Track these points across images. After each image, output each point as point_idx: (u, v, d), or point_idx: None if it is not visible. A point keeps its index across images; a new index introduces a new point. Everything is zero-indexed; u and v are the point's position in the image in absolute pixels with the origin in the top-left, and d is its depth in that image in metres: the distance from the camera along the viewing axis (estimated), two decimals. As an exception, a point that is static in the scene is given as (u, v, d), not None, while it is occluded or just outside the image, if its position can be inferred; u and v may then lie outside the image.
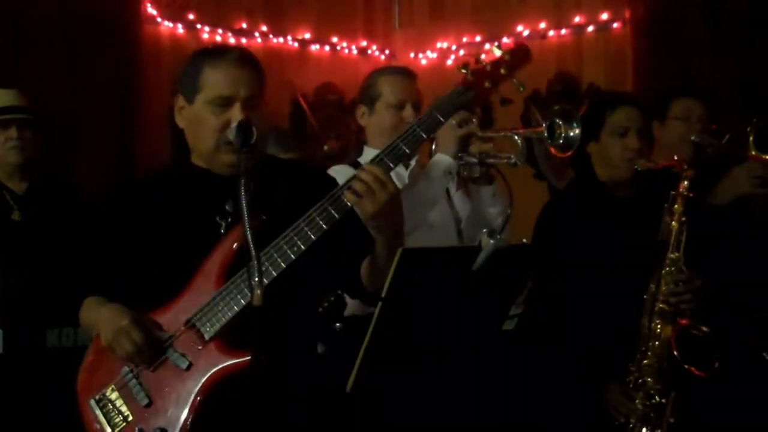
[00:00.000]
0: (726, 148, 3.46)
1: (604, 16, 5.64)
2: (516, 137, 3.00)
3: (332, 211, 2.25)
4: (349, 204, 2.24)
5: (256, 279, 2.00)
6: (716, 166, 3.50)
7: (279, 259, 2.25)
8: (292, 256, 2.25)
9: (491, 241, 2.28)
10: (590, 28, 5.71)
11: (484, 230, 2.31)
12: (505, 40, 6.04)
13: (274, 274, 2.25)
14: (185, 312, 2.31)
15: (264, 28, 6.03)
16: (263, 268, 2.18)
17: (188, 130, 2.48)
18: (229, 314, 2.27)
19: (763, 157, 3.31)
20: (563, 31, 5.83)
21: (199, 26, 5.75)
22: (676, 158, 3.13)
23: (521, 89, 2.46)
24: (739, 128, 3.42)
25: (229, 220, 2.38)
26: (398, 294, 2.22)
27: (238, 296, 2.26)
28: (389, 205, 2.22)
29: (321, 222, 2.25)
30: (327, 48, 6.35)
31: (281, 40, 6.11)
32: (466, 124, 2.99)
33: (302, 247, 2.25)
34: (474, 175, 3.08)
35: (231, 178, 2.37)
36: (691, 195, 3.03)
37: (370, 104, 3.24)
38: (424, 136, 2.35)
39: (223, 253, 2.33)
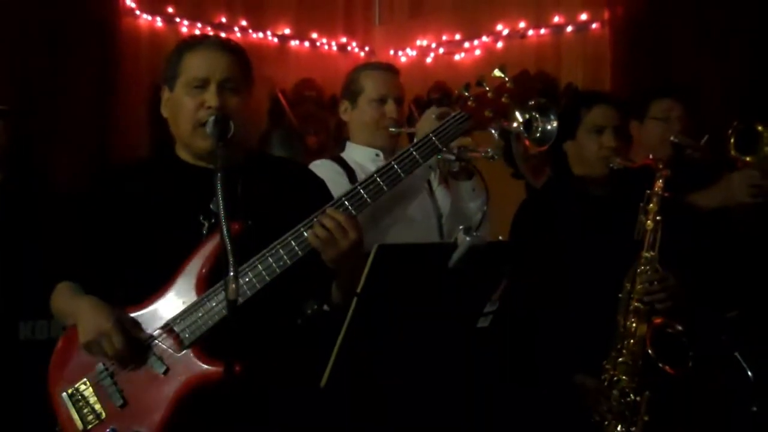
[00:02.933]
0: (705, 148, 3.48)
1: (584, 17, 5.66)
2: (493, 131, 3.01)
3: (296, 248, 2.26)
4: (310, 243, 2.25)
5: (231, 273, 1.99)
6: (698, 168, 3.52)
7: (245, 287, 2.24)
8: (248, 292, 2.24)
9: (467, 238, 2.28)
10: (569, 29, 5.73)
11: (461, 227, 2.31)
12: (484, 38, 6.07)
13: (249, 294, 2.25)
14: (164, 313, 2.29)
15: (243, 23, 6.00)
16: (243, 284, 2.19)
17: (171, 118, 2.47)
18: (210, 323, 2.25)
19: (743, 158, 3.33)
20: (542, 31, 5.85)
21: (177, 20, 5.71)
22: (651, 157, 3.15)
23: (521, 119, 2.43)
24: (718, 129, 3.44)
25: (213, 220, 2.37)
26: (373, 290, 2.22)
27: (220, 305, 2.24)
28: (350, 250, 2.25)
29: (285, 257, 2.26)
30: (306, 44, 6.33)
31: (261, 35, 6.09)
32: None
33: (267, 278, 2.25)
34: (453, 170, 3.07)
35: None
36: (666, 194, 3.04)
37: (353, 99, 3.24)
38: (421, 160, 2.35)
39: (205, 256, 2.31)
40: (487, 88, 2.40)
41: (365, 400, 2.66)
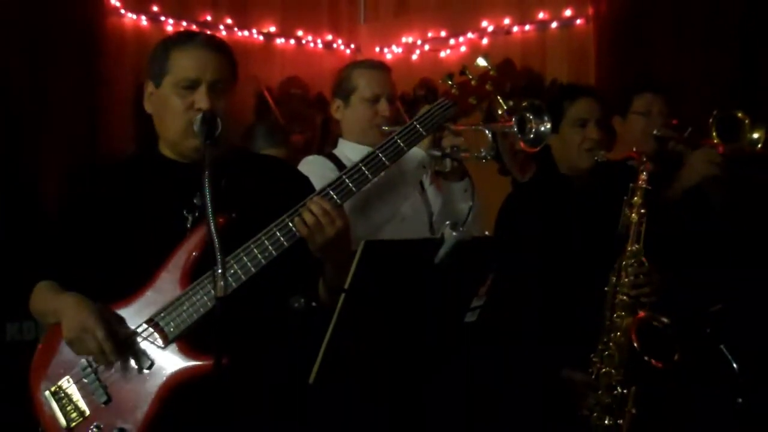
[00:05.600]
0: (688, 140, 3.50)
1: (568, 13, 5.68)
2: (486, 131, 3.02)
3: (281, 238, 2.26)
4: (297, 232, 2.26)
5: (219, 271, 2.00)
6: (680, 161, 3.54)
7: (230, 279, 2.23)
8: (233, 284, 2.23)
9: (453, 234, 2.29)
10: (554, 25, 5.75)
11: (447, 222, 2.32)
12: (470, 35, 6.08)
13: (234, 285, 2.24)
14: (148, 308, 2.29)
15: (229, 21, 6.00)
16: (228, 275, 2.18)
17: (155, 114, 2.46)
18: (195, 316, 2.25)
19: (725, 144, 3.34)
20: (527, 27, 5.87)
21: (162, 18, 5.70)
22: (635, 150, 3.17)
23: (505, 107, 2.46)
24: (701, 123, 3.46)
25: (197, 214, 2.36)
26: (361, 286, 2.23)
27: (204, 298, 2.25)
28: (337, 238, 2.26)
29: (271, 248, 2.26)
30: (292, 42, 6.33)
31: (246, 33, 6.09)
32: None
33: (252, 270, 2.25)
34: (445, 170, 3.08)
35: (200, 169, 2.37)
36: (649, 188, 3.06)
37: (345, 98, 3.23)
38: (405, 148, 2.35)
39: (189, 250, 2.31)
40: (471, 76, 2.42)
41: (354, 395, 2.67)
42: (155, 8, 5.67)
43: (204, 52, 2.39)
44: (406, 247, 2.44)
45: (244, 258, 2.26)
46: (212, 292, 2.19)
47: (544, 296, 3.06)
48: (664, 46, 4.99)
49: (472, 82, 2.40)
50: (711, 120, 3.37)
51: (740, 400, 3.40)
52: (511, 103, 2.55)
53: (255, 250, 2.26)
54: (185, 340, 2.27)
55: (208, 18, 5.91)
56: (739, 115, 3.35)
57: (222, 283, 1.98)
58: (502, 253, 2.69)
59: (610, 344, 3.05)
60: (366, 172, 2.34)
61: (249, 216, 2.27)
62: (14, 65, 4.79)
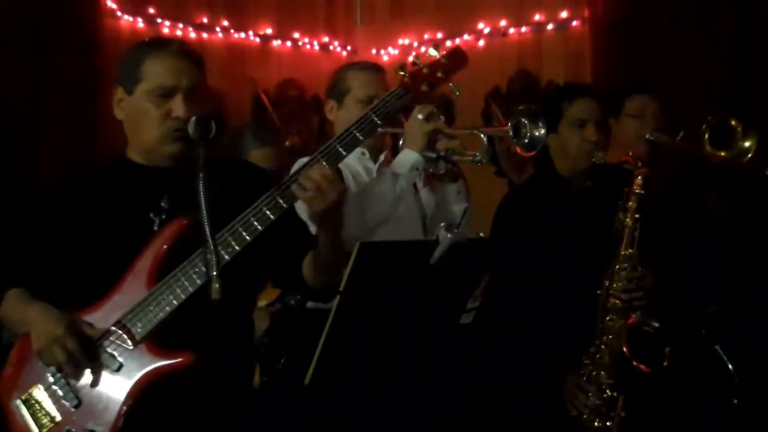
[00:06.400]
0: (681, 145, 3.51)
1: (564, 15, 5.69)
2: (482, 135, 3.02)
3: (280, 201, 2.25)
4: (297, 197, 2.25)
5: (214, 273, 2.00)
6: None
7: (223, 251, 2.22)
8: (237, 247, 2.24)
9: (448, 235, 2.30)
10: (550, 26, 5.76)
11: (442, 224, 2.33)
12: (466, 37, 6.08)
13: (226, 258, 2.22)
14: (115, 312, 2.29)
15: (225, 23, 5.99)
16: (204, 264, 2.17)
17: (128, 121, 2.46)
18: (161, 315, 2.25)
19: (718, 153, 3.36)
20: (523, 29, 5.87)
21: (159, 20, 5.69)
22: (630, 154, 3.17)
23: (457, 93, 2.49)
24: (696, 126, 3.47)
25: (163, 216, 2.37)
26: (356, 287, 2.24)
27: (171, 297, 2.25)
28: (338, 203, 2.25)
29: (268, 212, 2.25)
30: (289, 43, 6.32)
31: (242, 35, 6.08)
32: (433, 120, 3.00)
33: (247, 238, 2.24)
34: (439, 172, 3.09)
35: (168, 173, 2.38)
36: (644, 192, 3.06)
37: (339, 99, 3.24)
38: (361, 138, 2.36)
39: (155, 251, 2.31)
40: (422, 65, 2.45)
41: (347, 396, 2.68)
42: (152, 10, 5.66)
43: (178, 60, 2.39)
44: (402, 248, 2.45)
45: (240, 228, 2.25)
46: (178, 290, 2.23)
47: (538, 297, 3.06)
48: (660, 48, 5.00)
49: (424, 71, 2.43)
50: (704, 126, 3.38)
51: (736, 401, 3.41)
52: (460, 90, 2.56)
53: (252, 219, 2.25)
54: (153, 340, 2.27)
55: (205, 20, 5.90)
56: (732, 122, 3.36)
57: (216, 285, 1.98)
58: (497, 254, 2.70)
59: (602, 347, 3.06)
60: (340, 148, 2.32)
61: (215, 217, 2.27)
62: (11, 67, 4.78)
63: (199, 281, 2.23)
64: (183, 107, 2.34)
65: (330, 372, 2.35)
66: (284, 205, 2.26)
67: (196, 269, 2.23)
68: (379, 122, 2.38)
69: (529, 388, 3.10)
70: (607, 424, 3.02)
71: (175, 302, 2.24)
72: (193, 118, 2.30)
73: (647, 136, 3.53)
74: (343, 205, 2.28)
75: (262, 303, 3.62)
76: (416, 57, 2.46)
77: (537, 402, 3.08)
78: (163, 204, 2.38)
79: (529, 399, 3.09)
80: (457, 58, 2.49)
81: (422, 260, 2.35)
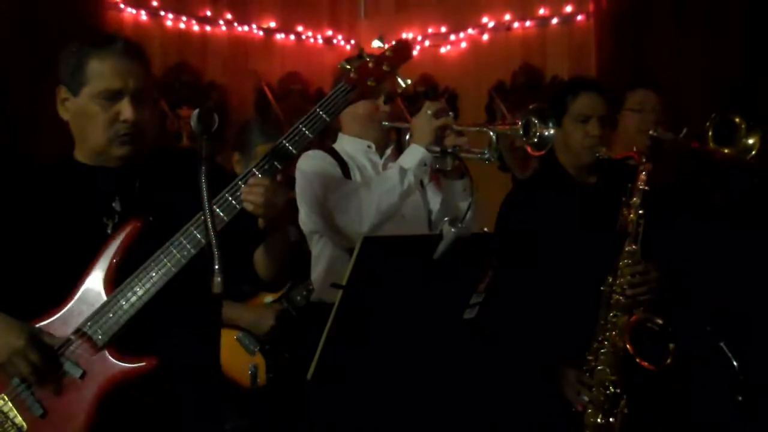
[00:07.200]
0: (684, 141, 3.48)
1: (569, 9, 5.67)
2: (491, 133, 3.01)
3: (222, 215, 2.24)
4: (239, 207, 2.25)
5: (216, 267, 2.00)
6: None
7: (161, 272, 2.23)
8: (193, 251, 2.23)
9: (452, 230, 2.29)
10: (554, 21, 5.74)
11: (446, 219, 2.32)
12: (470, 31, 6.07)
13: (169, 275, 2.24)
14: (74, 319, 2.26)
15: (228, 16, 5.98)
16: (154, 273, 2.21)
17: (74, 123, 2.41)
18: (122, 321, 2.23)
19: (722, 150, 3.34)
20: (528, 23, 5.86)
21: (162, 13, 5.69)
22: (635, 149, 3.15)
23: (404, 85, 2.48)
24: (701, 121, 3.45)
25: (116, 219, 2.34)
26: (359, 282, 2.23)
27: (131, 301, 2.23)
28: (284, 209, 2.27)
29: (221, 213, 2.24)
30: (292, 37, 6.31)
31: (246, 28, 6.07)
32: (442, 116, 2.98)
33: (192, 251, 2.24)
34: (446, 168, 3.07)
35: (118, 174, 2.36)
36: (648, 188, 3.05)
37: None
38: (310, 135, 2.35)
39: (111, 256, 2.29)
40: (368, 59, 2.44)
41: (350, 391, 2.67)
42: (155, 3, 5.65)
43: (124, 60, 2.32)
44: (405, 243, 2.44)
45: (189, 237, 2.24)
46: (137, 294, 2.22)
47: (542, 293, 3.04)
48: (665, 42, 4.98)
49: (370, 65, 2.42)
50: (708, 123, 3.36)
51: (740, 397, 3.40)
52: (409, 81, 2.57)
53: (195, 232, 2.24)
54: (115, 345, 2.25)
55: (208, 13, 5.90)
56: (737, 119, 3.34)
57: (218, 279, 1.97)
58: (501, 249, 2.68)
59: (605, 343, 3.04)
60: (274, 162, 2.31)
61: (166, 218, 2.25)
62: (12, 60, 4.78)
63: (160, 284, 2.22)
64: (131, 110, 2.30)
65: (333, 367, 2.34)
66: (237, 207, 2.26)
67: (153, 273, 2.22)
68: (327, 119, 2.37)
69: (531, 384, 3.09)
70: (610, 420, 3.01)
71: (135, 306, 2.22)
72: (195, 112, 2.28)
73: (651, 133, 3.51)
74: (288, 208, 2.30)
75: (267, 300, 3.62)
76: (361, 50, 2.46)
77: (539, 397, 3.07)
78: (114, 206, 2.35)
79: (532, 394, 3.08)
80: (401, 51, 2.49)
81: (426, 255, 2.34)
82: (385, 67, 2.44)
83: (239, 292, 3.58)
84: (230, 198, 2.25)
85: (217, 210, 2.23)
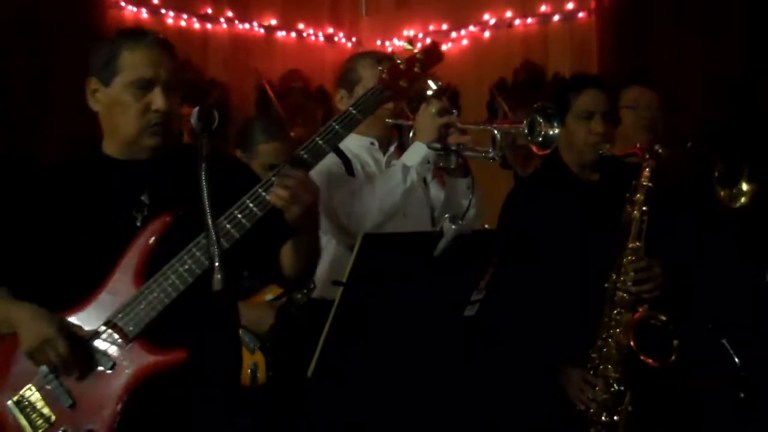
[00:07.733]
0: (690, 155, 3.43)
1: (570, 6, 5.67)
2: (495, 131, 3.00)
3: (255, 209, 2.24)
4: (271, 204, 2.23)
5: (216, 264, 2.00)
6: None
7: (193, 266, 2.23)
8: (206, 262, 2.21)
9: (453, 227, 2.28)
10: (556, 18, 5.74)
11: (447, 215, 2.31)
12: (471, 28, 6.07)
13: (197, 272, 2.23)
14: (103, 311, 2.27)
15: (229, 14, 5.98)
16: (187, 266, 2.21)
17: (105, 114, 2.43)
18: (153, 314, 2.23)
19: (719, 191, 3.25)
20: (529, 20, 5.86)
21: (163, 11, 5.69)
22: (638, 146, 3.14)
23: (435, 87, 2.51)
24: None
25: (146, 212, 2.34)
26: (360, 279, 2.23)
27: (161, 295, 2.23)
28: (313, 204, 2.24)
29: (244, 220, 2.24)
30: (293, 35, 6.32)
31: (247, 26, 6.07)
32: (446, 114, 2.98)
33: (226, 245, 2.21)
34: (449, 166, 3.07)
35: (146, 167, 2.37)
36: (651, 185, 3.04)
37: (350, 89, 3.22)
38: (343, 133, 2.36)
39: (141, 248, 2.29)
40: (399, 61, 2.45)
41: (350, 388, 2.67)
42: (155, 1, 5.66)
43: (156, 51, 2.35)
44: (406, 239, 2.44)
45: (222, 230, 2.21)
46: (168, 287, 2.22)
47: (544, 290, 3.04)
48: (667, 39, 4.99)
49: (401, 66, 2.44)
50: (714, 167, 3.25)
51: (742, 395, 3.39)
52: (440, 83, 2.65)
53: (227, 225, 2.23)
54: (145, 338, 2.25)
55: (209, 11, 5.90)
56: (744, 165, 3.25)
57: (218, 276, 1.97)
58: (503, 246, 2.68)
59: (609, 340, 3.04)
60: (306, 157, 2.31)
61: (195, 213, 2.24)
62: (13, 58, 4.78)
63: (190, 279, 2.22)
64: (162, 100, 2.31)
65: (333, 365, 2.33)
66: (258, 213, 2.24)
67: (186, 266, 2.22)
68: (360, 118, 2.39)
69: (534, 382, 3.08)
70: (614, 418, 3.00)
71: (166, 300, 2.22)
72: (196, 110, 2.28)
73: (656, 148, 3.46)
74: (317, 201, 2.27)
75: (268, 297, 3.61)
76: (393, 54, 2.47)
77: (542, 396, 3.07)
78: (143, 199, 2.35)
79: (535, 393, 3.07)
80: (432, 53, 2.52)
81: (426, 252, 2.33)
82: (416, 69, 2.46)
83: (240, 289, 3.58)
84: (263, 193, 2.24)
85: (250, 204, 2.23)
